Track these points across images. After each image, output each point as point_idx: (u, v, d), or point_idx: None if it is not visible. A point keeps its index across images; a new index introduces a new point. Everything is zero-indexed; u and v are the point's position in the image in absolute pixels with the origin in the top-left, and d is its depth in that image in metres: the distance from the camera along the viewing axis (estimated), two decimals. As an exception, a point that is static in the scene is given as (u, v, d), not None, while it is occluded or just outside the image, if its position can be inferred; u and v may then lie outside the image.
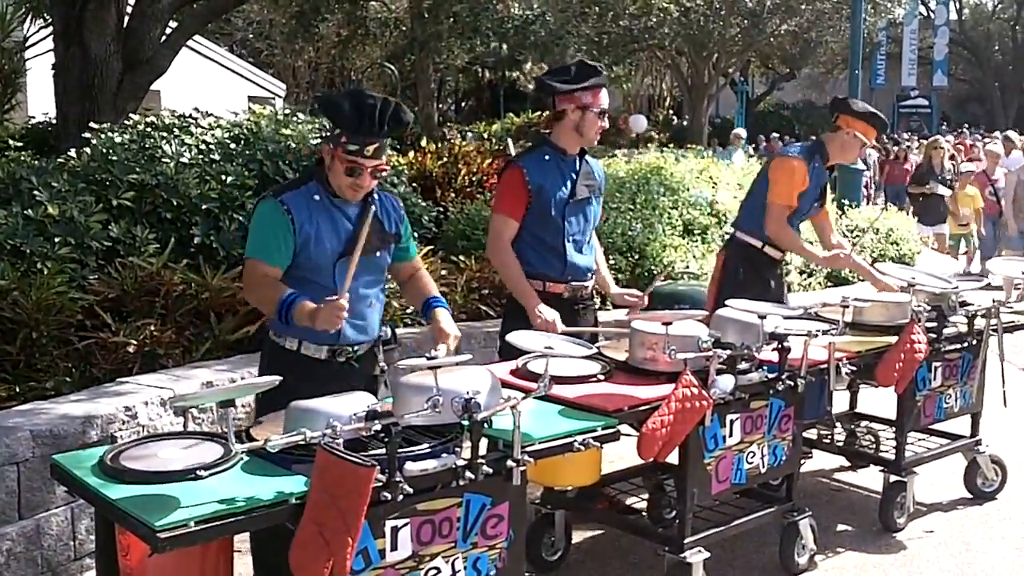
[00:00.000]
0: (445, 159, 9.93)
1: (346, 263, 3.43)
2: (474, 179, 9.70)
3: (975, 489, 5.49)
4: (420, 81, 21.19)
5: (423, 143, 10.93)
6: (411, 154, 10.09)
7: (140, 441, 3.13)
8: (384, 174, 3.57)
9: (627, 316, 4.51)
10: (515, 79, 33.62)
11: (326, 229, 3.50)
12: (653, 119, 31.40)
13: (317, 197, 3.52)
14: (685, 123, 30.54)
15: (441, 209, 8.92)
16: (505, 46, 21.06)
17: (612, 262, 7.79)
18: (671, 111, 37.23)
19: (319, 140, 3.46)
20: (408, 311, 6.54)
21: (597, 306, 4.86)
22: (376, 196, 3.64)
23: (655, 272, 8.00)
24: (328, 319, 3.29)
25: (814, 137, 5.73)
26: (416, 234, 7.91)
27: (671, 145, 18.94)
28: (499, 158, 10.35)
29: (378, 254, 3.64)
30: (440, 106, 32.74)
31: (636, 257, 8.26)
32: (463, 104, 41.34)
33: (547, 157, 4.50)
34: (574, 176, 4.52)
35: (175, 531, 2.53)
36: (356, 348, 3.63)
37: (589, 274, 4.64)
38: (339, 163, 3.47)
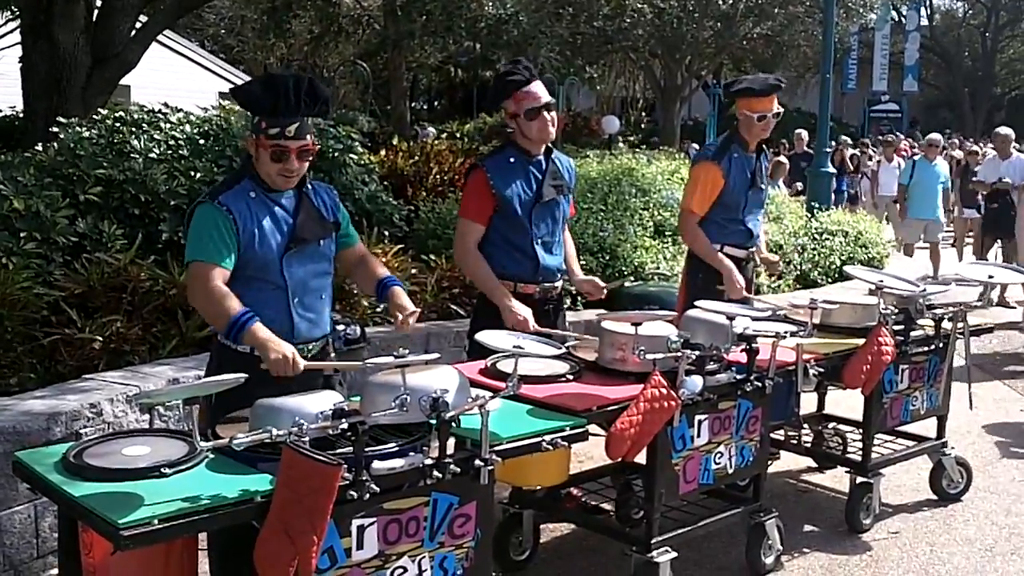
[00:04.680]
0: (416, 158, 9.91)
1: (293, 256, 3.45)
2: (445, 178, 9.68)
3: (940, 491, 5.53)
4: (393, 79, 21.13)
5: (395, 141, 10.90)
6: (382, 152, 10.06)
7: (104, 438, 3.10)
8: (312, 156, 3.51)
9: (597, 317, 4.53)
10: (488, 79, 33.56)
11: (268, 225, 3.46)
12: (625, 120, 31.43)
13: (253, 194, 3.46)
14: (657, 125, 30.62)
15: (412, 208, 8.90)
16: (478, 45, 21.03)
17: (583, 262, 7.74)
18: (643, 113, 37.31)
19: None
20: (378, 310, 6.51)
21: (567, 306, 4.86)
22: (310, 185, 3.61)
23: (623, 275, 8.02)
24: (279, 368, 3.22)
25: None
26: (387, 233, 7.91)
27: (643, 147, 18.90)
28: (470, 158, 10.34)
29: (321, 243, 3.60)
30: (413, 105, 32.66)
31: (607, 258, 8.28)
32: (436, 103, 41.25)
33: (512, 159, 4.49)
34: (539, 177, 4.50)
35: (138, 529, 2.51)
36: (311, 346, 3.58)
37: (560, 274, 4.64)
38: (263, 151, 3.42)
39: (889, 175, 15.96)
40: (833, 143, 17.74)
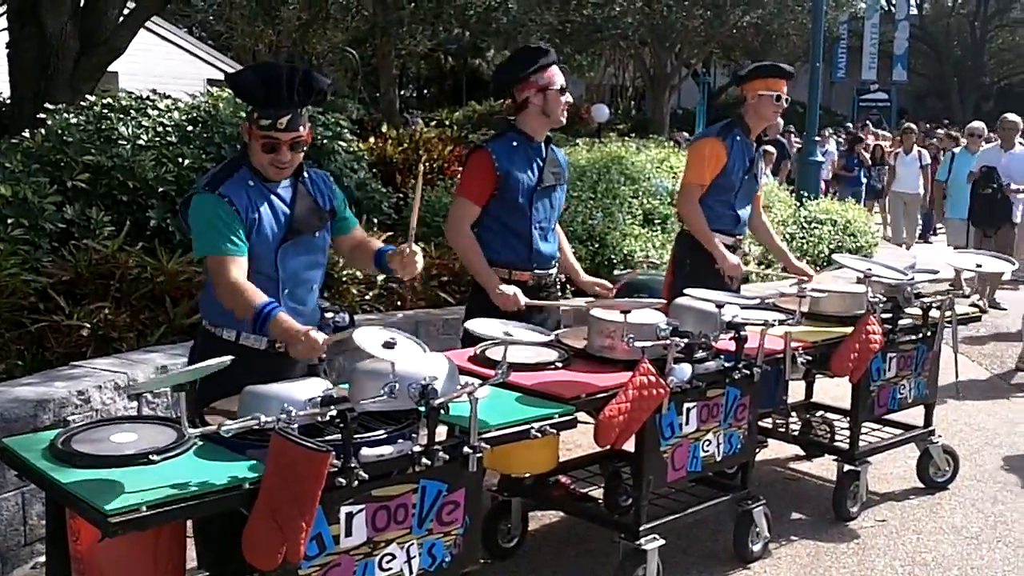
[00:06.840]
0: (405, 145, 9.90)
1: (289, 247, 3.41)
2: (435, 166, 9.67)
3: (927, 479, 5.55)
4: (382, 67, 21.10)
5: (384, 129, 10.89)
6: (371, 140, 10.05)
7: (92, 425, 3.08)
8: (306, 147, 3.46)
9: (587, 304, 4.52)
10: (477, 66, 33.57)
11: (265, 215, 3.41)
12: (615, 109, 31.44)
13: (251, 183, 3.41)
14: (647, 113, 30.63)
15: (401, 195, 8.89)
16: (468, 33, 21.01)
17: (572, 251, 7.77)
18: (633, 101, 37.30)
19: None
20: (367, 297, 6.51)
21: (560, 294, 4.86)
22: (307, 173, 3.57)
23: (612, 263, 8.02)
24: (304, 352, 3.20)
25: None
26: (376, 220, 7.90)
27: (633, 135, 18.90)
28: (460, 145, 10.34)
29: (316, 235, 3.55)
30: (402, 93, 32.61)
31: (596, 246, 8.27)
32: (425, 91, 41.20)
33: (515, 143, 4.48)
34: (541, 162, 4.51)
35: (126, 515, 2.50)
36: None
37: (553, 261, 4.64)
38: (255, 141, 3.37)
39: (908, 168, 14.55)
40: (841, 131, 17.34)
